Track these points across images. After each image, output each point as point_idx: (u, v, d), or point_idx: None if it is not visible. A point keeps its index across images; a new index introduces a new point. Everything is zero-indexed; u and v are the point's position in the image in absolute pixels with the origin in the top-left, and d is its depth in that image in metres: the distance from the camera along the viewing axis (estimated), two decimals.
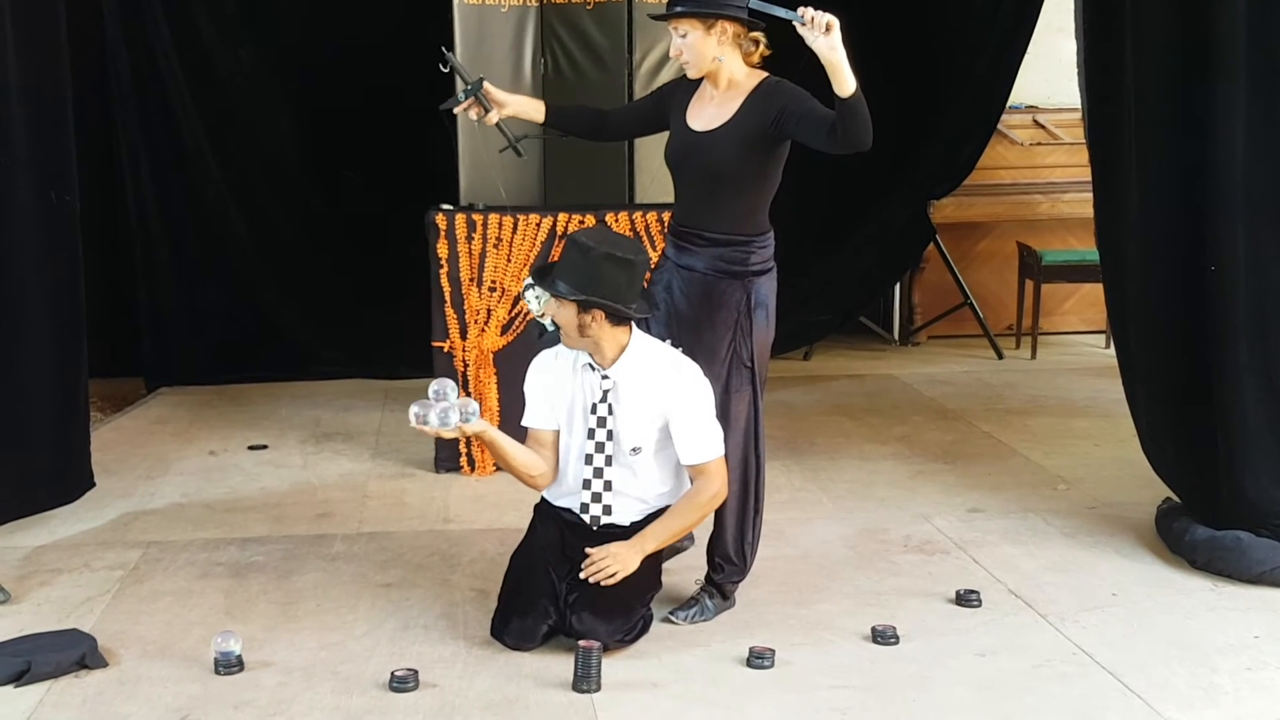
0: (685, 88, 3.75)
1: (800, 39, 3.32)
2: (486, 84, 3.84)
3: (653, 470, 3.65)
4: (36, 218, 4.48)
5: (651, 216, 4.96)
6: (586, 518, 3.66)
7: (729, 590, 3.84)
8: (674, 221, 3.80)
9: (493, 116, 3.88)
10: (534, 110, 3.91)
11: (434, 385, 3.47)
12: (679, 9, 3.57)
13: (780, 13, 3.34)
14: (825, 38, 3.27)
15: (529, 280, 3.79)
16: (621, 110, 3.98)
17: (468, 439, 4.04)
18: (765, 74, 3.67)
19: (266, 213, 6.69)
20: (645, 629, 3.63)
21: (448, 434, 3.48)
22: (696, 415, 3.56)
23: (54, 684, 3.38)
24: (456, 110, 3.89)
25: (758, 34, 3.64)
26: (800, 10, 3.30)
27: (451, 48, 5.17)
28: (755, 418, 3.76)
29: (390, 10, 6.29)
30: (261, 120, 6.62)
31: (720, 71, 3.62)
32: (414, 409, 3.44)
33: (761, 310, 3.70)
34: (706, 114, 3.66)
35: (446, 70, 3.88)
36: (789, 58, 3.66)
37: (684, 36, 3.60)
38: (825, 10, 3.32)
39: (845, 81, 3.31)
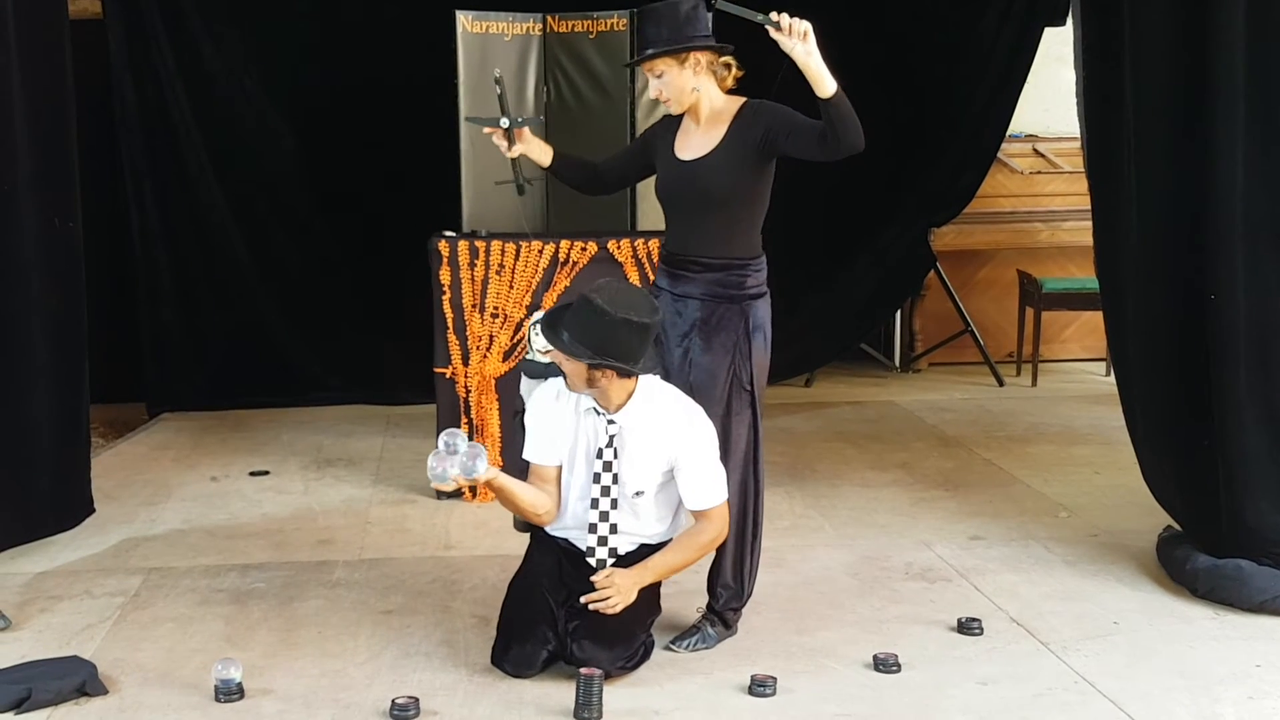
0: (667, 126, 3.83)
1: (775, 46, 3.39)
2: (514, 125, 3.90)
3: (651, 510, 3.66)
4: (39, 244, 4.50)
5: (654, 244, 4.98)
6: (593, 561, 3.66)
7: (730, 618, 3.84)
8: (666, 252, 3.83)
9: (516, 150, 3.92)
10: (542, 154, 3.94)
11: (444, 438, 3.46)
12: (650, 51, 3.64)
13: (749, 14, 3.41)
14: (802, 44, 3.35)
15: (539, 316, 3.83)
16: (612, 161, 4.05)
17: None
18: (744, 98, 3.73)
19: (269, 239, 6.71)
20: (646, 656, 3.63)
21: (464, 484, 3.48)
22: (702, 461, 3.57)
23: (54, 711, 3.38)
24: (485, 131, 3.93)
25: (728, 58, 3.72)
26: (775, 15, 3.37)
27: (455, 76, 5.21)
28: (755, 441, 3.78)
29: (394, 38, 6.32)
30: (265, 146, 6.64)
31: (700, 103, 3.70)
32: (434, 465, 3.42)
33: (760, 333, 3.74)
34: (693, 144, 3.72)
35: (500, 92, 3.92)
36: (767, 68, 3.70)
37: (660, 76, 3.67)
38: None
39: (825, 84, 3.39)
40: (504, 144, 3.90)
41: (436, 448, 3.46)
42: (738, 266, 3.70)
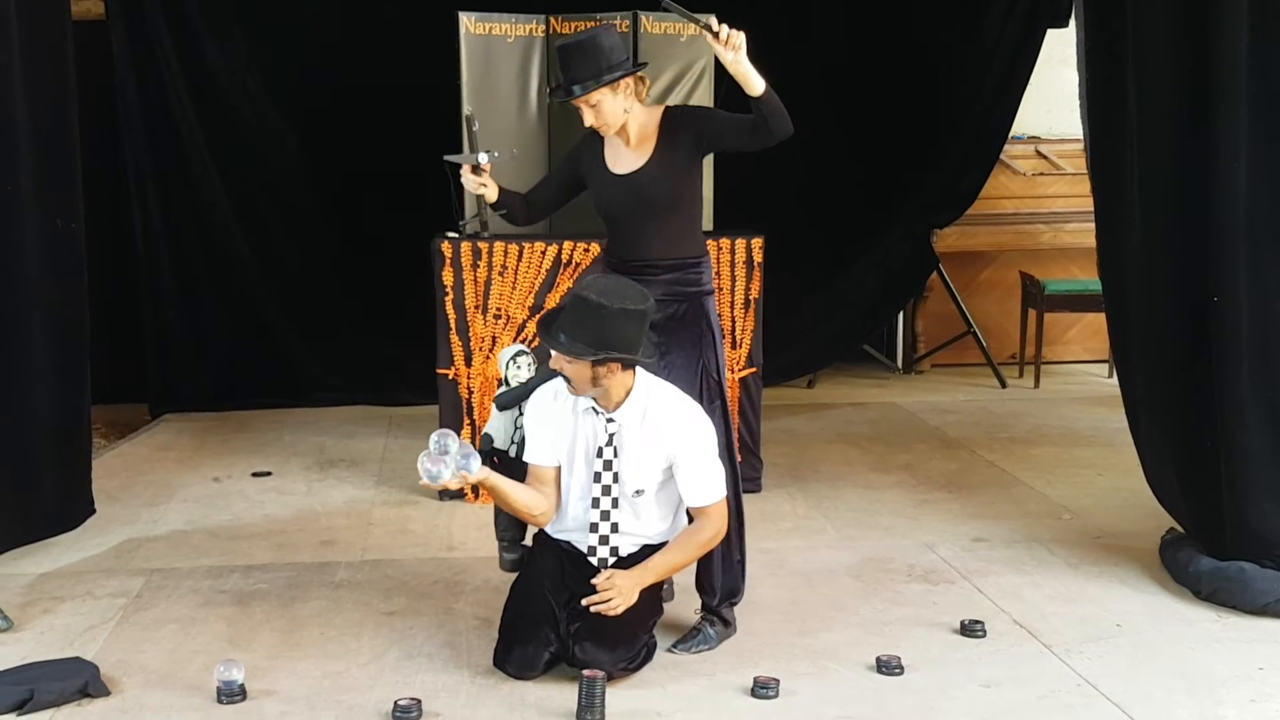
0: (592, 144, 3.92)
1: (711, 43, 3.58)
2: (490, 159, 4.00)
3: (653, 510, 3.67)
4: (42, 244, 4.50)
5: None
6: (595, 560, 3.67)
7: (728, 615, 3.85)
8: (618, 260, 3.92)
9: (489, 189, 3.99)
10: (493, 190, 4.02)
11: (435, 438, 3.46)
12: (579, 88, 3.72)
13: (691, 16, 3.59)
14: (733, 53, 3.52)
15: (517, 349, 3.92)
16: (540, 187, 4.15)
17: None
18: (662, 106, 3.94)
19: (272, 240, 6.71)
20: (649, 656, 3.63)
21: (455, 485, 3.49)
22: (702, 458, 3.59)
23: (56, 713, 3.38)
24: (463, 170, 3.98)
25: (642, 73, 3.88)
26: (715, 24, 3.53)
27: (458, 77, 5.21)
28: (728, 430, 3.84)
29: (397, 39, 6.32)
30: (268, 146, 6.64)
31: (629, 121, 3.83)
32: (426, 465, 3.43)
33: (717, 325, 3.92)
34: (625, 158, 3.85)
35: (474, 129, 4.06)
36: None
37: (595, 105, 3.77)
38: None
39: (754, 84, 3.58)
40: (473, 180, 3.97)
41: (428, 448, 3.46)
42: (691, 264, 3.88)
